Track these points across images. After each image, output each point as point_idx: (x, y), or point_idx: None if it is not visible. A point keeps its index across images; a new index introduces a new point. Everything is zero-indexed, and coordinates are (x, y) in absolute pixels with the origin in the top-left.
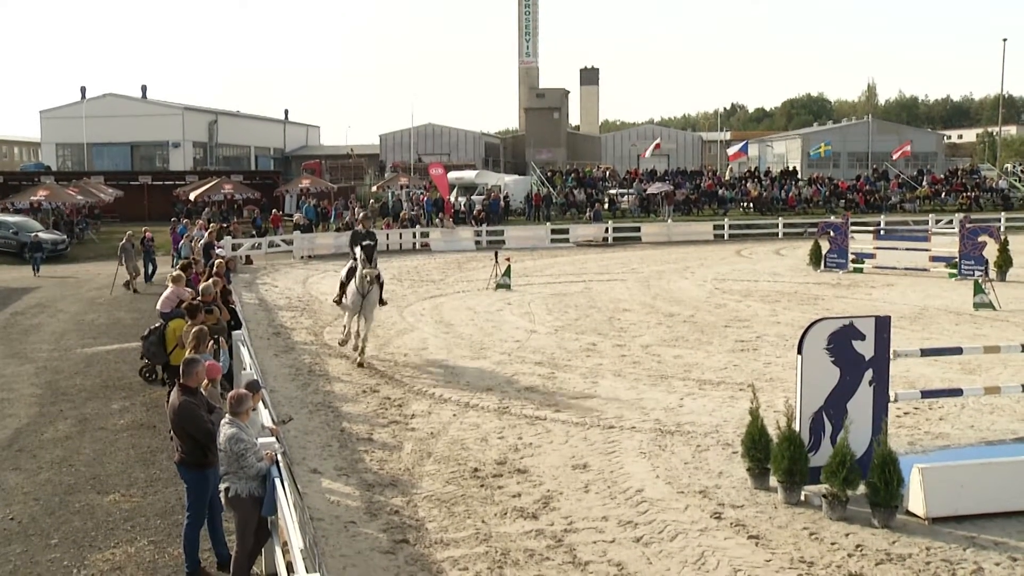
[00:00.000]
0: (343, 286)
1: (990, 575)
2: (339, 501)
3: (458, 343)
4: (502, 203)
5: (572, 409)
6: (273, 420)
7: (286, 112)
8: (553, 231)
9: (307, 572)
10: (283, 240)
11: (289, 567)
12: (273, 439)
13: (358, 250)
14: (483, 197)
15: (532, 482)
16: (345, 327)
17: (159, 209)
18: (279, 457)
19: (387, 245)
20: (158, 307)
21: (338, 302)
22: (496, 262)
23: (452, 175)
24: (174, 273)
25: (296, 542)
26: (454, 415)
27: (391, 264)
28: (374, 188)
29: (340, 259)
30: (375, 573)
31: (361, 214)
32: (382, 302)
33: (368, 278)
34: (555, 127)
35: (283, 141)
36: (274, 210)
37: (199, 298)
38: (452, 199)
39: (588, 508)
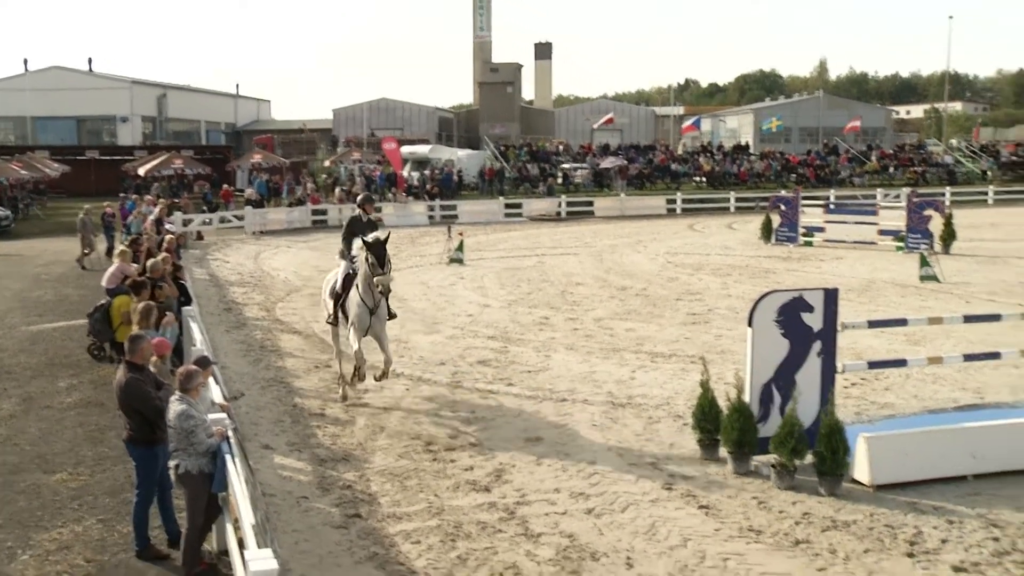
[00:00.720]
0: (337, 298)
1: (929, 538)
2: (291, 476)
3: (411, 318)
4: (455, 177)
5: (525, 383)
6: (224, 396)
7: (237, 86)
8: (506, 205)
9: (259, 548)
10: (234, 215)
11: (240, 543)
12: (224, 415)
13: (359, 246)
14: (437, 171)
15: (485, 455)
16: (343, 359)
17: (107, 184)
18: (230, 433)
19: (340, 220)
20: (103, 283)
21: (333, 322)
22: (449, 237)
23: (405, 149)
24: (119, 249)
25: (247, 518)
26: (407, 389)
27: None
28: (327, 163)
29: (293, 235)
30: (328, 548)
31: (361, 195)
32: (391, 315)
33: (381, 287)
34: (509, 102)
35: (234, 115)
36: (225, 185)
37: (147, 274)
38: (405, 174)
39: (540, 480)
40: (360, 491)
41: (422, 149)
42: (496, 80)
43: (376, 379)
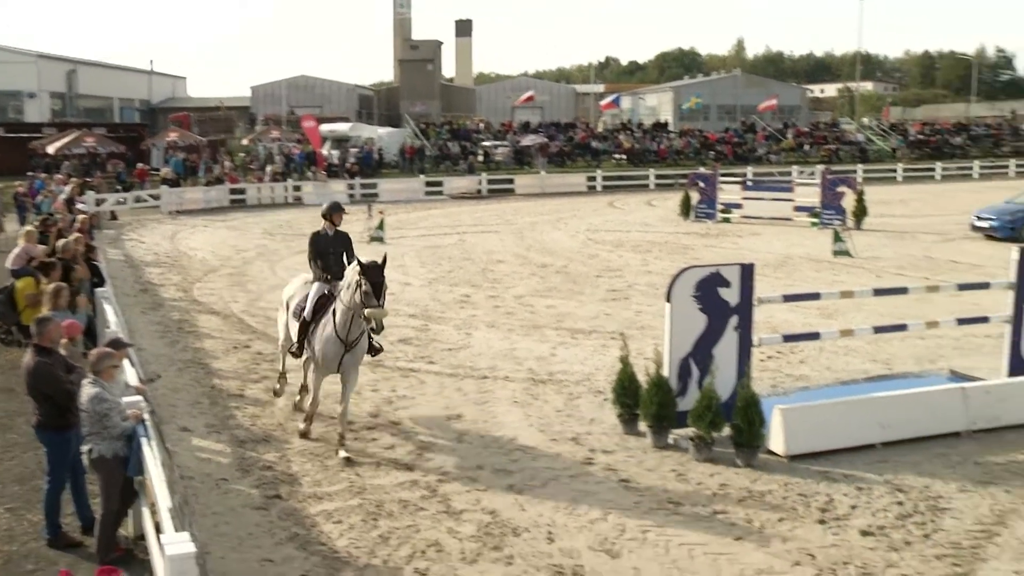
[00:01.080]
0: (304, 327)
1: (839, 505)
2: (210, 458)
3: None
4: (376, 156)
5: (446, 360)
6: (140, 378)
7: (151, 63)
8: (427, 184)
9: (176, 532)
10: (150, 195)
11: (157, 528)
12: (139, 398)
13: (355, 269)
14: (357, 150)
15: (406, 434)
16: (302, 392)
17: (13, 163)
18: (145, 416)
19: (259, 200)
20: (8, 265)
21: (296, 353)
22: (370, 215)
23: (325, 127)
24: (25, 229)
25: (164, 502)
26: None
27: (263, 219)
28: (245, 141)
29: (210, 214)
30: (248, 529)
31: (328, 203)
32: (376, 350)
33: (374, 322)
34: (429, 79)
35: (149, 92)
36: (139, 164)
37: (57, 255)
38: (325, 152)
39: (462, 458)
40: (280, 472)
41: (342, 127)
42: (416, 58)
43: (337, 443)
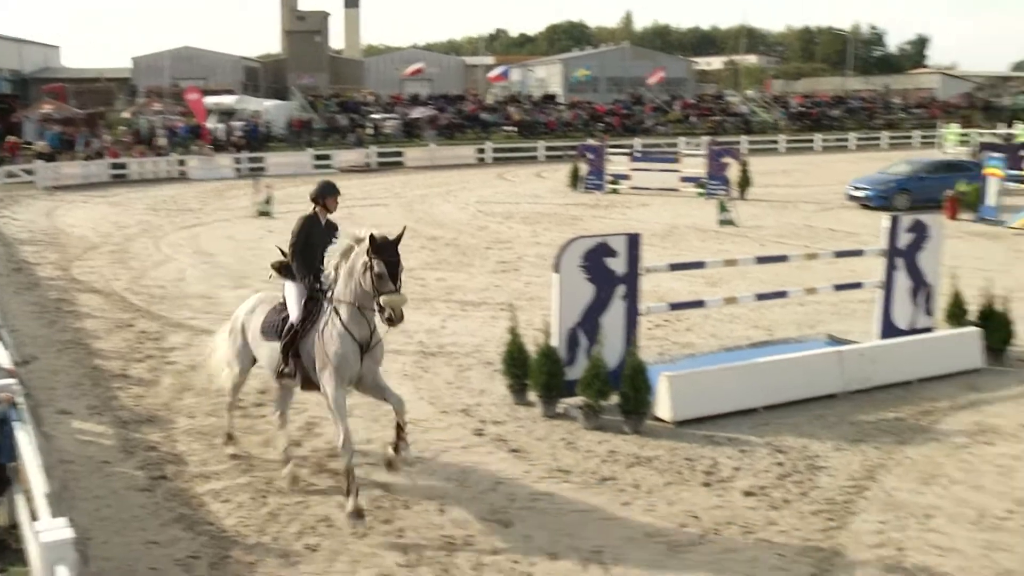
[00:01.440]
0: (292, 337)
1: (723, 467)
2: (92, 441)
3: (218, 273)
4: (262, 129)
5: None
6: (13, 360)
7: (22, 30)
8: (316, 157)
9: (52, 518)
10: (23, 170)
11: (33, 515)
12: (11, 380)
13: (355, 238)
14: (243, 123)
15: (296, 409)
16: (282, 419)
17: None
18: (18, 399)
19: (141, 175)
20: None
21: (291, 373)
22: (256, 190)
23: (210, 100)
24: None
25: (39, 488)
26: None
27: (146, 194)
28: (126, 114)
29: (90, 189)
30: (132, 512)
31: (320, 184)
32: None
33: (390, 311)
34: (317, 51)
35: (19, 62)
36: (11, 137)
37: None
38: (211, 126)
39: (352, 432)
40: (166, 452)
41: (228, 100)
42: (303, 29)
43: (392, 457)
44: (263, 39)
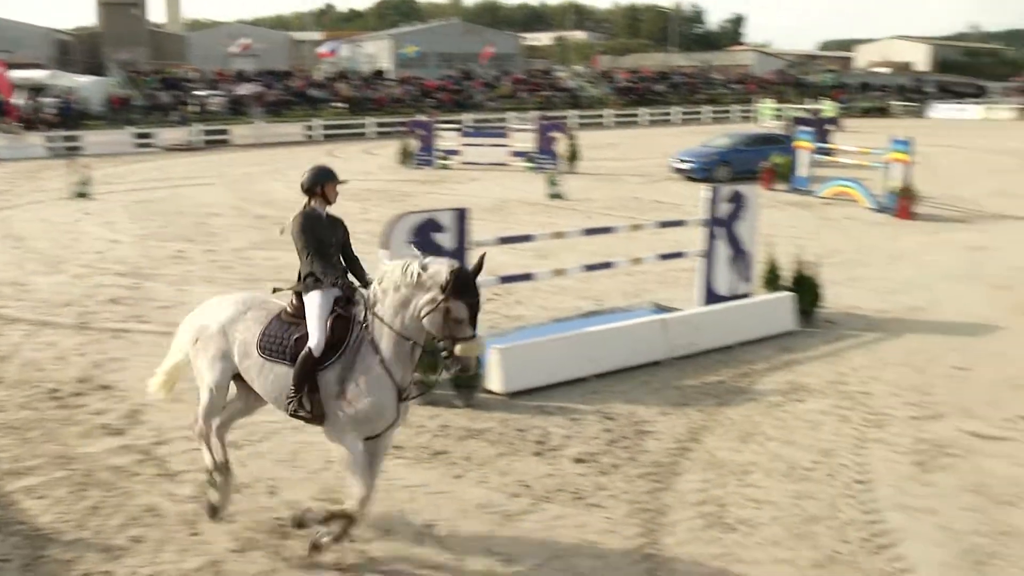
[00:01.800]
0: (312, 367)
1: (554, 436)
2: None
3: (30, 258)
4: (76, 106)
5: (160, 319)
6: None
7: None
8: (136, 135)
9: None
10: None
11: None
12: None
13: (421, 297)
14: (56, 99)
15: (117, 397)
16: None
17: None
18: None
19: None
20: None
21: (310, 416)
22: (73, 170)
23: (16, 74)
24: None
25: None
26: (27, 335)
27: None
28: None
29: None
30: None
31: (312, 169)
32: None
33: (463, 361)
34: (135, 24)
35: None
36: None
37: None
38: (22, 102)
39: (178, 418)
40: None
41: (38, 75)
42: (120, 0)
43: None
44: (76, 11)
